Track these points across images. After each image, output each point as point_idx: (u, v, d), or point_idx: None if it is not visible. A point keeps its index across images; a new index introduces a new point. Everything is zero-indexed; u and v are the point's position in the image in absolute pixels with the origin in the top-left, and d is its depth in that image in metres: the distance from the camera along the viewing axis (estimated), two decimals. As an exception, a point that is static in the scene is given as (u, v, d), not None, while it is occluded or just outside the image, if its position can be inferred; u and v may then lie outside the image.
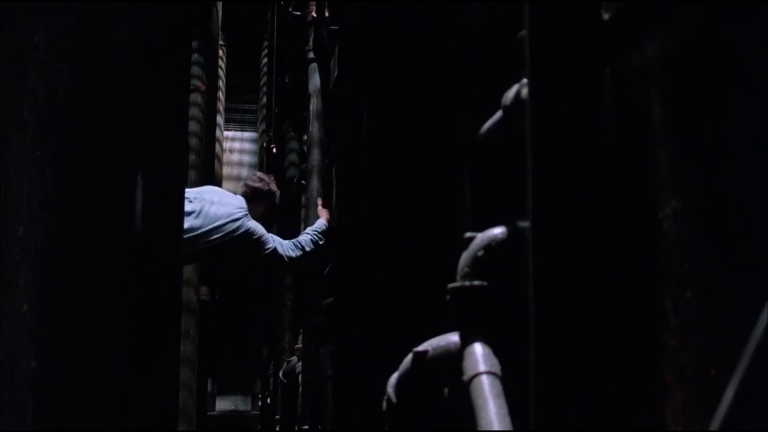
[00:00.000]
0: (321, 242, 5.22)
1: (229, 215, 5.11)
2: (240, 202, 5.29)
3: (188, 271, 6.16)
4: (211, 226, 5.07)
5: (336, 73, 4.12)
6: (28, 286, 1.53)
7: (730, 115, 0.91)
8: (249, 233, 5.13)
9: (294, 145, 7.68)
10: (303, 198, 5.82)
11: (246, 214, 5.20)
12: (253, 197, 5.38)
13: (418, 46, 2.15)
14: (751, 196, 0.88)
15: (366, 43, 2.46)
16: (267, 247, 5.19)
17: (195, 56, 6.97)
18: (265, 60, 9.83)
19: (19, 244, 1.54)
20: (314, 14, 5.54)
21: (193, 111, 6.87)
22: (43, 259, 1.54)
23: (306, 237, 5.28)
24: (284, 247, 5.24)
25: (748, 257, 0.87)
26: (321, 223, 5.28)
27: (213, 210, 5.11)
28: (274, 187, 5.50)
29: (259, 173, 5.99)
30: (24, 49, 1.58)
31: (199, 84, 7.09)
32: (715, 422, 0.75)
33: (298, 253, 5.24)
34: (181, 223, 1.92)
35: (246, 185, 5.53)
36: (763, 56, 0.88)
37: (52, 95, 1.58)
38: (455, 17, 1.97)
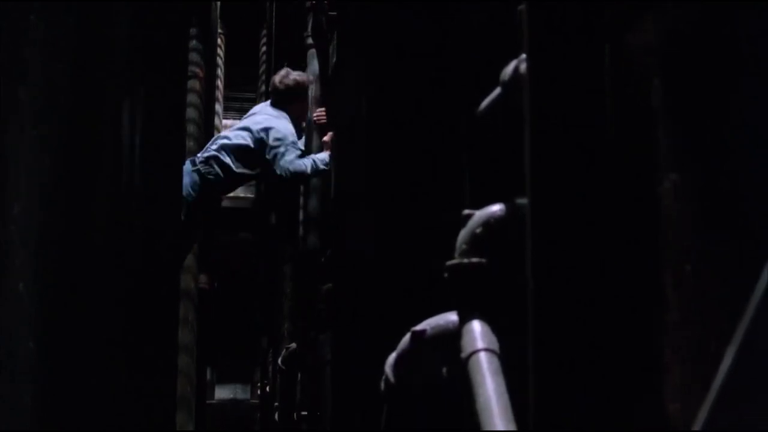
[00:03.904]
0: (320, 169, 4.95)
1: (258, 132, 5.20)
2: (267, 112, 5.37)
3: (187, 258, 6.15)
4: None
5: (335, 59, 4.11)
6: (28, 286, 1.53)
7: (728, 90, 0.91)
8: (268, 137, 5.13)
9: (293, 132, 7.66)
10: (302, 186, 5.80)
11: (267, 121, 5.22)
12: (284, 99, 5.36)
13: (418, 45, 2.15)
14: (749, 167, 0.88)
15: (365, 43, 2.45)
16: (286, 158, 5.08)
17: (193, 43, 6.92)
18: (264, 48, 9.78)
19: (18, 244, 1.54)
20: (313, 0, 5.53)
21: (192, 98, 6.82)
22: (42, 259, 1.55)
23: (321, 159, 5.01)
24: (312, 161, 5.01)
25: (745, 233, 0.87)
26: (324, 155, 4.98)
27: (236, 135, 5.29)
28: (299, 76, 5.39)
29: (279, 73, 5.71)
30: (24, 49, 1.57)
31: (197, 70, 7.03)
32: (710, 396, 0.76)
33: (309, 169, 5.00)
34: (180, 222, 1.93)
35: (273, 87, 5.52)
36: (762, 43, 0.88)
37: (52, 95, 1.58)
38: (455, 17, 1.97)
